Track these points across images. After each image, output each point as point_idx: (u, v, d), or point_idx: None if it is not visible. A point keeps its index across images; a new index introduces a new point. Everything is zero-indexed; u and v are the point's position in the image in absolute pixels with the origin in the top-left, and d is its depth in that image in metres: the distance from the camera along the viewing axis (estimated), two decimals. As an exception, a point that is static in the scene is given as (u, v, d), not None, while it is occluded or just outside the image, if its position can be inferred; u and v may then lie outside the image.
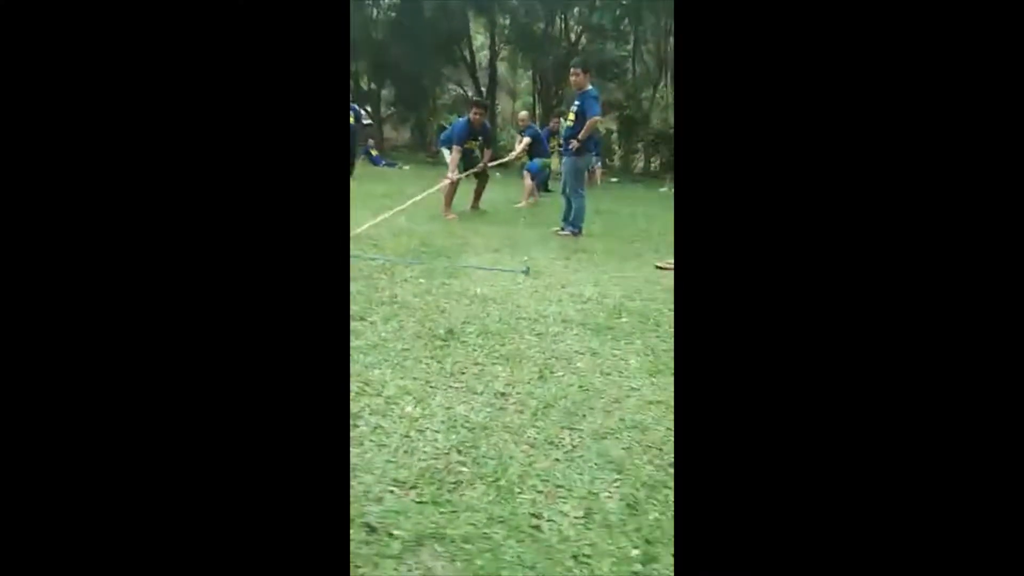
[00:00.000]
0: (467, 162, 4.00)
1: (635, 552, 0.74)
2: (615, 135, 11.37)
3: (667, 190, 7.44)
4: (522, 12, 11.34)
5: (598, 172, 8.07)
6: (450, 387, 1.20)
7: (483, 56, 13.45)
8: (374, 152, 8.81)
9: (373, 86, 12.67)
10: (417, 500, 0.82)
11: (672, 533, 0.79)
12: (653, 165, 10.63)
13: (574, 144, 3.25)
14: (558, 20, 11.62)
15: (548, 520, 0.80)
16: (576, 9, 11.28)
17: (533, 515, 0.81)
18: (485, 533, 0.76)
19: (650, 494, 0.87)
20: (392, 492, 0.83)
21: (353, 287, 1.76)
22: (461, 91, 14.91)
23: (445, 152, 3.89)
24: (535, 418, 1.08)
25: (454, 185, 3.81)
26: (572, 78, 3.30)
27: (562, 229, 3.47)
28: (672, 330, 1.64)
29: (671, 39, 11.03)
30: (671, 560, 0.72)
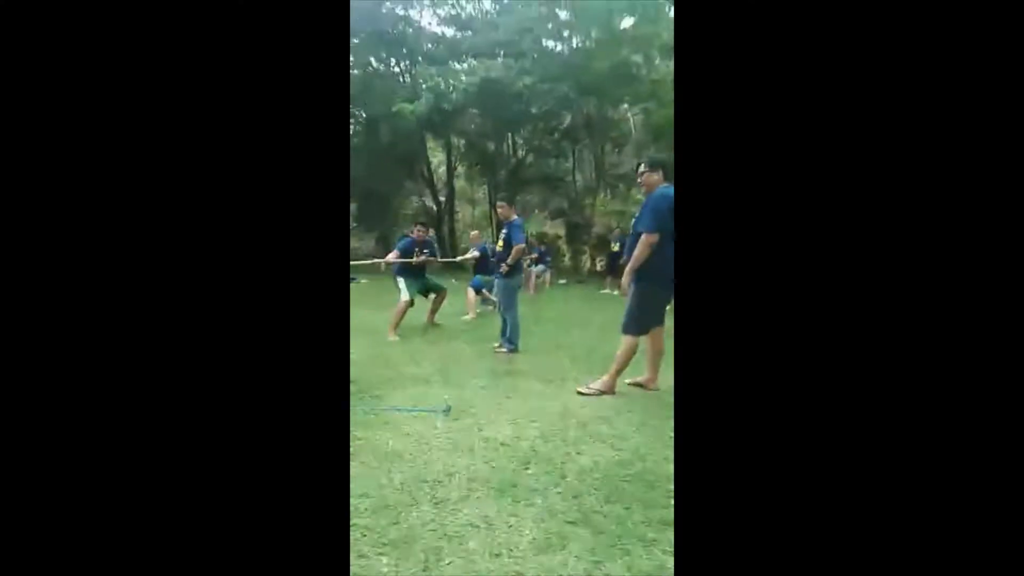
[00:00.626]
0: (420, 284, 4.22)
1: None
2: (562, 240, 12.34)
3: (608, 291, 7.94)
4: (474, 133, 12.70)
5: (547, 277, 8.58)
6: (320, 594, 1.10)
7: (442, 172, 14.70)
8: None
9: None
10: None
11: None
12: (599, 265, 11.36)
13: (504, 268, 3.49)
14: (507, 140, 13.05)
15: None
16: (522, 131, 12.76)
17: None
18: None
19: None
20: None
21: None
22: (421, 202, 15.99)
23: (400, 281, 4.10)
24: (403, 632, 1.00)
25: (406, 306, 4.00)
26: (499, 211, 3.65)
27: (500, 346, 3.56)
28: (576, 483, 1.62)
29: (605, 156, 12.59)
30: None
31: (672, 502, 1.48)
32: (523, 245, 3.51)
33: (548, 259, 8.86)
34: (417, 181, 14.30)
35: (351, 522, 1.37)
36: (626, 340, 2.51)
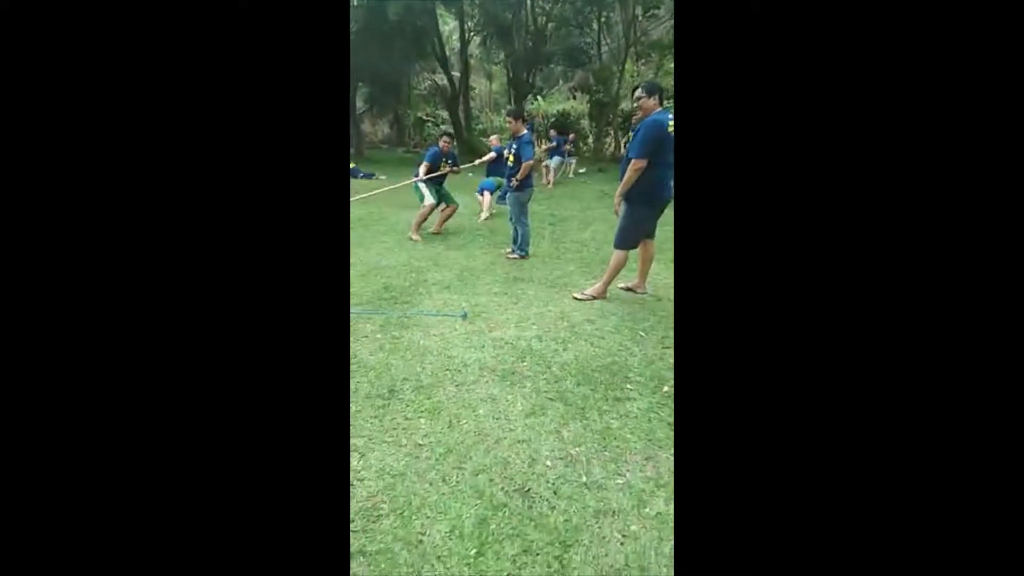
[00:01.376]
0: (440, 191, 4.75)
1: (472, 551, 1.30)
2: (586, 119, 11.69)
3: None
4: (488, 1, 11.38)
5: (567, 166, 8.57)
6: (384, 442, 1.74)
7: (455, 41, 13.54)
8: (351, 164, 9.17)
9: (347, 89, 12.85)
10: (352, 529, 1.37)
11: (508, 533, 1.34)
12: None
13: (514, 182, 3.74)
14: (525, 8, 11.65)
15: (427, 536, 1.35)
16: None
17: (420, 533, 1.36)
18: (389, 547, 1.32)
19: (495, 513, 1.42)
20: (337, 525, 1.38)
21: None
22: (432, 80, 15.07)
23: (422, 186, 4.61)
24: (438, 462, 1.63)
25: (430, 209, 4.62)
26: (508, 125, 3.76)
27: (511, 252, 3.99)
28: (558, 372, 2.17)
29: (635, 22, 11.16)
30: (497, 551, 1.27)
31: (626, 385, 2.03)
32: (531, 161, 3.70)
33: (564, 149, 8.69)
34: (429, 59, 13.33)
35: (399, 397, 1.99)
36: (617, 254, 2.87)
